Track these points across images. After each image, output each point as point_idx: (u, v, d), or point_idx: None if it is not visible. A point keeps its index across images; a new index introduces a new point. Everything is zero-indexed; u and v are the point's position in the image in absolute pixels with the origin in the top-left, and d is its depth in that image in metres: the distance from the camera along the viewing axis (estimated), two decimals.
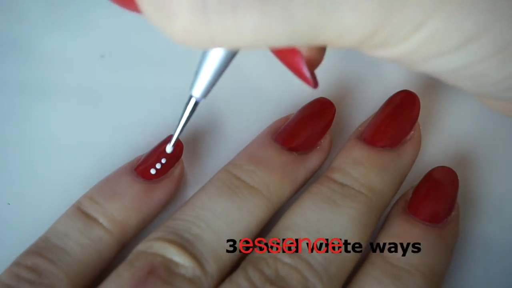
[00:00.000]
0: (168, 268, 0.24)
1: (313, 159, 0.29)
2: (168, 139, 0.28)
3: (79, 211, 0.26)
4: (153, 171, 0.27)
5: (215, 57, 0.21)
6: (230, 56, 0.21)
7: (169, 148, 0.27)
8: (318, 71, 0.33)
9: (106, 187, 0.27)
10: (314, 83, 0.23)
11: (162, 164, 0.27)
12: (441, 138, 0.32)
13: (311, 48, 0.22)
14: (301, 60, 0.22)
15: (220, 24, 0.16)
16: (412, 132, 0.29)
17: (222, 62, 0.21)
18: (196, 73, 0.22)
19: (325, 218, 0.25)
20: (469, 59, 0.17)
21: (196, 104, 0.24)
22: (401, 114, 0.28)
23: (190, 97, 0.23)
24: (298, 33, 0.16)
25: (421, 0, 0.16)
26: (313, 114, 0.29)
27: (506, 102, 0.22)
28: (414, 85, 0.32)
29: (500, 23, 0.16)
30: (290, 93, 0.32)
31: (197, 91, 0.23)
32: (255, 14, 0.16)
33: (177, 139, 0.26)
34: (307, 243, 0.24)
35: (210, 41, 0.16)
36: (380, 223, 0.28)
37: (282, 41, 0.17)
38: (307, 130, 0.28)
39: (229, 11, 0.15)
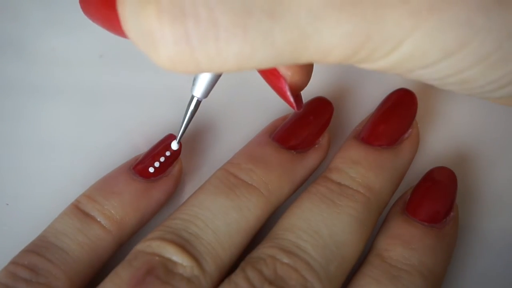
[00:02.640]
0: (166, 268, 0.24)
1: (311, 158, 0.29)
2: (167, 138, 0.28)
3: (77, 209, 0.26)
4: (151, 170, 0.27)
5: None
6: None
7: (174, 145, 0.28)
8: (317, 69, 0.33)
9: (104, 185, 0.27)
10: (298, 106, 0.24)
11: (160, 162, 0.27)
12: (439, 137, 0.32)
13: (296, 73, 0.23)
14: (285, 85, 0.23)
15: (203, 52, 0.16)
16: (410, 130, 0.29)
17: None
18: (196, 74, 0.23)
19: (324, 219, 0.25)
20: (451, 70, 0.18)
21: (198, 103, 0.25)
22: (398, 113, 0.28)
23: (192, 97, 0.25)
24: (281, 56, 0.17)
25: (398, 20, 0.16)
26: (311, 112, 0.29)
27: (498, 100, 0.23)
28: (412, 84, 0.32)
29: (478, 37, 0.17)
30: None
31: (198, 91, 0.24)
32: (237, 42, 0.16)
33: (182, 137, 0.27)
34: (306, 243, 0.24)
35: (195, 68, 0.17)
36: (379, 223, 0.27)
37: (266, 64, 0.17)
38: (305, 128, 0.28)
39: (211, 40, 0.16)
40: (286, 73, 0.23)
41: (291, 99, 0.24)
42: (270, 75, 0.24)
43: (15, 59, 0.33)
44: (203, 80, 0.23)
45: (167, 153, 0.28)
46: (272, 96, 0.32)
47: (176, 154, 0.28)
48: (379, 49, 0.17)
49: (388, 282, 0.24)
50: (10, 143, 0.31)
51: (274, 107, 0.32)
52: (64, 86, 0.33)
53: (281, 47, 0.17)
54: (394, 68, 0.18)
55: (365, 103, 0.32)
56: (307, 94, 0.31)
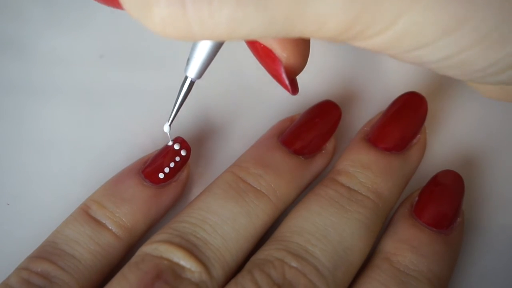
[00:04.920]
0: (174, 272, 0.24)
1: (318, 163, 0.29)
2: (176, 141, 0.28)
3: (87, 216, 0.26)
4: (161, 176, 0.27)
5: None
6: None
7: (166, 128, 0.27)
8: (322, 71, 0.33)
9: (114, 191, 0.27)
10: (293, 90, 0.24)
11: (170, 168, 0.27)
12: (445, 140, 0.32)
13: (292, 55, 0.23)
14: (281, 66, 0.23)
15: (196, 15, 0.16)
16: (419, 135, 0.29)
17: (215, 43, 0.22)
18: (190, 53, 0.23)
19: (333, 223, 0.25)
20: (450, 50, 0.17)
21: (191, 84, 0.24)
22: (408, 116, 0.28)
23: (186, 77, 0.24)
24: (274, 24, 0.17)
25: None
26: (319, 116, 0.29)
27: (498, 85, 0.22)
28: (417, 87, 0.32)
29: (477, 15, 0.16)
30: None
31: (192, 72, 0.23)
32: (230, 5, 0.16)
33: (174, 118, 0.26)
34: (315, 248, 0.25)
35: (188, 32, 0.17)
36: (384, 225, 0.27)
37: (259, 33, 0.17)
38: (313, 132, 0.28)
39: (204, 2, 0.16)
40: (282, 54, 0.23)
41: (286, 82, 0.23)
42: (266, 58, 0.23)
43: (16, 59, 0.33)
44: (197, 60, 0.23)
45: (177, 158, 0.27)
46: (276, 96, 0.32)
47: (185, 159, 0.28)
48: (375, 24, 0.17)
49: None
50: (10, 143, 0.31)
51: (278, 107, 0.32)
52: (64, 86, 0.32)
53: (273, 14, 0.16)
54: (390, 46, 0.18)
55: (369, 105, 0.32)
56: (312, 94, 0.31)
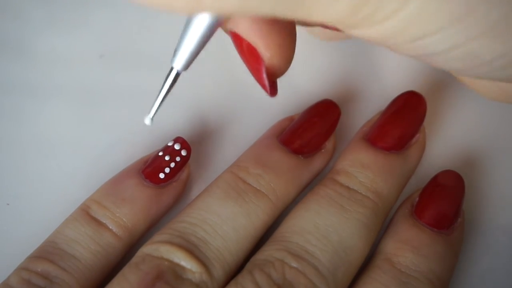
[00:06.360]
0: (175, 273, 0.24)
1: (317, 162, 0.29)
2: (176, 141, 0.28)
3: (88, 215, 0.26)
4: (161, 176, 0.27)
5: (198, 26, 0.20)
6: (213, 27, 0.20)
7: (147, 120, 0.25)
8: (321, 70, 0.33)
9: (114, 191, 0.27)
10: (272, 92, 0.23)
11: (170, 168, 0.27)
12: (445, 140, 0.32)
13: (275, 56, 0.22)
14: (262, 66, 0.22)
15: None
16: (418, 135, 0.29)
17: (204, 32, 0.20)
18: (178, 44, 0.22)
19: (333, 223, 0.25)
20: (456, 39, 0.17)
21: (177, 76, 0.23)
22: (407, 115, 0.28)
23: (171, 69, 0.23)
24: (281, 1, 0.16)
25: None
26: (318, 115, 0.29)
27: (500, 82, 0.22)
28: (416, 86, 0.32)
29: (485, 4, 0.16)
30: (293, 93, 0.32)
31: (179, 63, 0.22)
32: None
33: (156, 112, 0.25)
34: (315, 248, 0.25)
35: (197, 4, 0.16)
36: (384, 225, 0.28)
37: (268, 8, 0.16)
38: (312, 131, 0.28)
39: None
40: (265, 53, 0.22)
41: (266, 82, 0.23)
42: (249, 56, 0.23)
43: (15, 59, 0.33)
44: (185, 50, 0.21)
45: (177, 158, 0.27)
46: (275, 98, 0.32)
47: (185, 159, 0.28)
48: (383, 7, 0.16)
49: None
50: (10, 143, 0.31)
51: (278, 108, 0.32)
52: (64, 86, 0.32)
53: None
54: (396, 34, 0.17)
55: (369, 105, 0.32)
56: (311, 96, 0.31)
